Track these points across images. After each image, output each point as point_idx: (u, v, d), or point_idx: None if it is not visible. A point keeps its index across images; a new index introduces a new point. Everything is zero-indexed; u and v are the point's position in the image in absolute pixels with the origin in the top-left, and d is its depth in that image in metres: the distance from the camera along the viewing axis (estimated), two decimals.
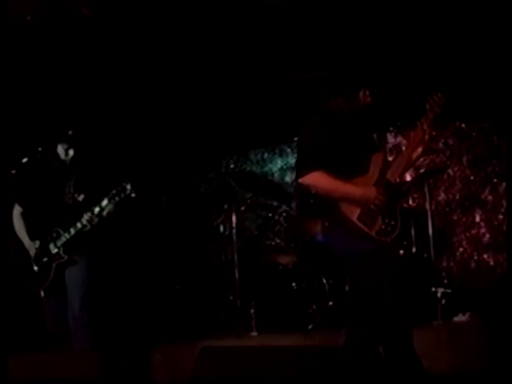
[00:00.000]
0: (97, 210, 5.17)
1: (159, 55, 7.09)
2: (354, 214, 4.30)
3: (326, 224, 4.43)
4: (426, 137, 4.46)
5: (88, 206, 5.22)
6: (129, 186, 5.11)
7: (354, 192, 4.31)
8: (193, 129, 8.04)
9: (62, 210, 5.33)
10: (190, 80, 7.48)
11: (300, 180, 4.41)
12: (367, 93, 4.49)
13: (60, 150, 5.39)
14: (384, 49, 6.88)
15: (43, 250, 5.33)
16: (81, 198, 5.33)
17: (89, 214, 5.17)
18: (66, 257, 5.26)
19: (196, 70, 7.32)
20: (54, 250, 5.29)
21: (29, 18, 6.09)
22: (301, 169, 4.42)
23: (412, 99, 6.66)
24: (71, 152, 5.38)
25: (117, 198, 5.13)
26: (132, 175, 5.29)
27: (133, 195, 5.13)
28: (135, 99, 7.61)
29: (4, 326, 4.54)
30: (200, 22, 6.58)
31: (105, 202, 5.15)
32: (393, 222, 4.32)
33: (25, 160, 5.24)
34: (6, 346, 4.42)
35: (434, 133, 4.54)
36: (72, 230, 5.23)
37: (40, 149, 5.28)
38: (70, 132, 5.30)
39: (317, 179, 4.34)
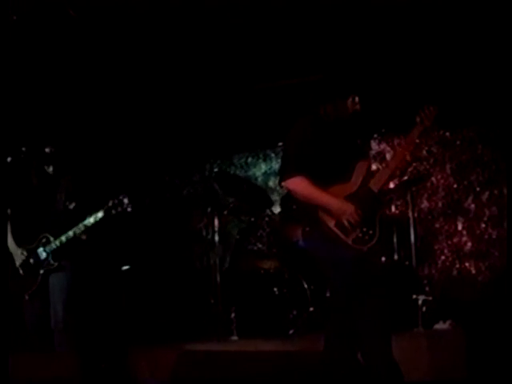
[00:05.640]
0: (91, 220, 5.08)
1: (145, 61, 7.08)
2: (331, 220, 4.29)
3: (306, 229, 4.44)
4: (413, 148, 4.47)
5: (79, 214, 5.15)
6: (126, 200, 5.02)
7: (330, 203, 4.28)
8: (177, 132, 8.04)
9: (51, 216, 5.28)
10: (174, 84, 7.48)
11: (282, 183, 4.43)
12: (356, 100, 4.47)
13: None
14: (372, 55, 6.90)
15: (31, 255, 5.27)
16: (72, 206, 5.27)
17: (83, 223, 5.09)
18: (55, 264, 5.19)
19: (181, 74, 7.32)
20: (43, 256, 5.23)
21: (14, 17, 6.03)
22: (283, 172, 4.42)
23: (397, 107, 6.75)
24: (51, 168, 5.32)
25: (113, 211, 5.04)
26: (129, 188, 5.24)
27: (129, 210, 5.06)
28: (120, 103, 7.60)
29: (4, 327, 4.53)
30: (184, 29, 6.58)
31: (100, 214, 5.06)
32: (371, 231, 4.30)
33: (9, 159, 5.18)
34: (6, 346, 4.40)
35: (417, 141, 4.56)
36: (63, 238, 5.14)
37: (24, 149, 5.22)
38: (48, 150, 5.22)
39: (297, 184, 4.33)
